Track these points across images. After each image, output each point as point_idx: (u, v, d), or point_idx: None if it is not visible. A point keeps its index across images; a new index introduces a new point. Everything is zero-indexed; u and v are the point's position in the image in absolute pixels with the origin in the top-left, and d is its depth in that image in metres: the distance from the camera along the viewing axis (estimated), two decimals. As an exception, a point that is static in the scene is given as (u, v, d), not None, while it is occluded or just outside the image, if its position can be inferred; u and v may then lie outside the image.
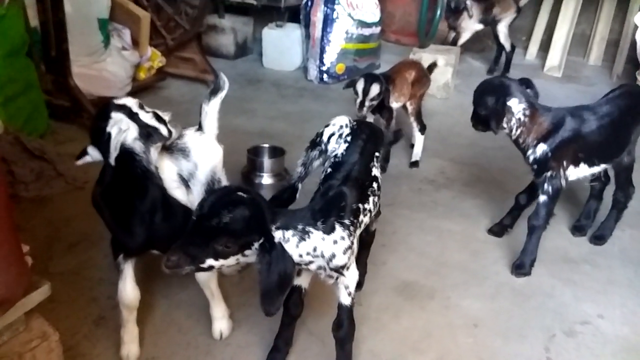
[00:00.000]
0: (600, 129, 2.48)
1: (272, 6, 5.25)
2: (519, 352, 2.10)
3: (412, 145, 3.72)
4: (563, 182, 2.51)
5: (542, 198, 2.51)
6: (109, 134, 1.69)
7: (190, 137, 2.01)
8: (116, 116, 1.71)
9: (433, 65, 3.62)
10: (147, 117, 1.75)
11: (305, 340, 2.07)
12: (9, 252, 1.39)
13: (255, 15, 5.72)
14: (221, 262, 1.49)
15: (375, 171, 1.99)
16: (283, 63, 5.35)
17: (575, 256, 2.72)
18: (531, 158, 2.50)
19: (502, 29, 5.44)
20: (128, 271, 1.86)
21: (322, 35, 4.96)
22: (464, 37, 5.48)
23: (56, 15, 3.39)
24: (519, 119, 2.43)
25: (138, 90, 4.26)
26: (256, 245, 1.48)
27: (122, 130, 1.69)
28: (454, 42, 5.48)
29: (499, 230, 2.87)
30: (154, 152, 1.77)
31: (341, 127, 2.02)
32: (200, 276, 1.94)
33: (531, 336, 2.18)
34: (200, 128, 2.06)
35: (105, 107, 1.76)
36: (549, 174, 2.48)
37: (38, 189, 2.88)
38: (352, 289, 1.77)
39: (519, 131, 2.46)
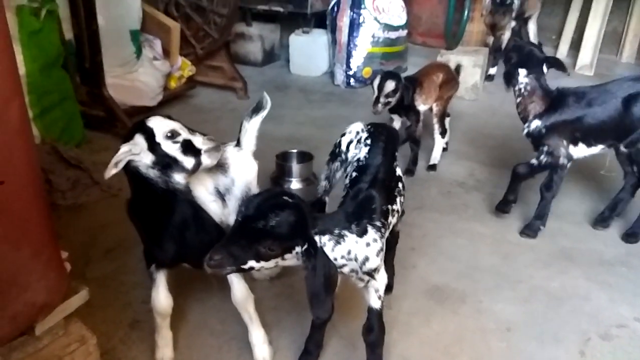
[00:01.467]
0: (601, 111, 2.60)
1: (298, 13, 5.30)
2: (554, 356, 2.06)
3: (444, 149, 3.70)
4: (564, 160, 2.68)
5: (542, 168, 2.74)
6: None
7: (230, 153, 2.04)
8: (137, 140, 1.66)
9: (459, 67, 3.59)
10: (171, 148, 1.67)
11: (336, 344, 2.08)
12: (49, 259, 1.45)
13: (282, 22, 5.77)
14: (262, 264, 1.50)
15: (399, 171, 2.00)
16: (310, 69, 5.39)
17: (610, 258, 2.66)
18: (525, 131, 2.74)
19: (532, 26, 5.35)
20: (161, 280, 1.89)
21: (349, 40, 4.98)
22: (507, 36, 5.23)
23: (90, 28, 3.49)
24: (519, 89, 2.68)
25: (169, 99, 4.35)
26: (297, 249, 1.49)
27: (132, 154, 1.65)
28: (497, 48, 5.17)
29: (504, 207, 2.96)
30: (180, 176, 1.72)
31: (357, 132, 2.05)
32: (238, 298, 1.93)
33: (566, 340, 2.14)
34: (238, 144, 2.10)
35: (136, 125, 1.72)
36: (544, 148, 2.68)
37: (74, 197, 2.96)
38: (381, 292, 1.78)
39: (517, 100, 2.72)
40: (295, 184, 3.03)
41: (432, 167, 3.51)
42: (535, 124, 2.68)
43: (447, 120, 3.55)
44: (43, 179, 2.76)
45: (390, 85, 3.10)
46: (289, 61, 5.46)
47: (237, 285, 1.92)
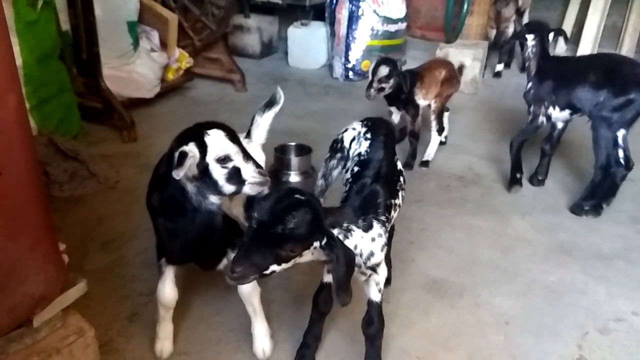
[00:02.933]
0: (576, 78, 2.87)
1: (297, 5, 5.27)
2: (552, 350, 2.07)
3: (441, 142, 3.69)
4: (542, 120, 3.04)
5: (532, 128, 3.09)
6: (172, 157, 1.58)
7: None
8: (191, 148, 1.56)
9: (462, 67, 3.57)
10: (217, 172, 1.60)
11: (334, 337, 2.08)
12: (47, 251, 1.44)
13: (280, 14, 5.75)
14: (282, 266, 1.47)
15: (399, 165, 2.01)
16: (308, 61, 5.37)
17: (608, 252, 2.66)
18: (525, 91, 3.08)
19: (526, 19, 5.34)
20: (169, 274, 1.89)
21: (348, 32, 4.95)
22: (511, 30, 5.22)
23: (87, 19, 3.46)
24: (527, 53, 3.04)
25: (166, 91, 4.33)
26: (316, 244, 1.46)
27: (175, 160, 1.55)
28: (501, 43, 5.14)
29: (535, 182, 3.26)
30: (215, 197, 1.66)
31: (357, 129, 2.04)
32: (244, 291, 1.93)
33: (564, 334, 2.14)
34: (248, 136, 2.09)
35: (195, 131, 1.61)
36: (531, 109, 3.04)
37: (72, 189, 2.95)
38: (382, 285, 1.78)
39: (526, 64, 3.08)
40: (293, 177, 3.02)
41: (425, 164, 3.47)
42: (529, 84, 3.05)
43: (446, 115, 3.53)
44: (41, 171, 2.75)
45: (384, 70, 3.07)
46: (287, 54, 5.44)
47: None
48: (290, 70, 5.34)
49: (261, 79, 4.96)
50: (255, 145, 2.09)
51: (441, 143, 3.69)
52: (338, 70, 5.10)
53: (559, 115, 3.02)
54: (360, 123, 2.07)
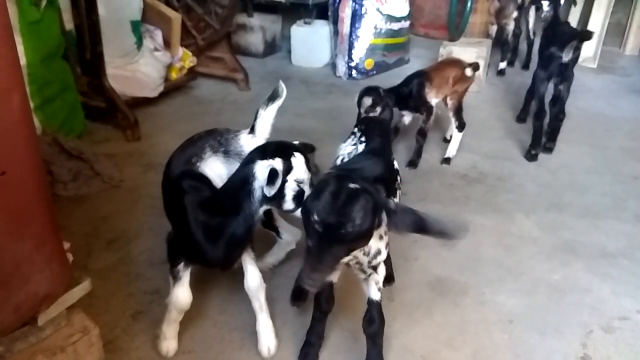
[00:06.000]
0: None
1: (300, 3, 5.26)
2: (556, 348, 2.06)
3: (445, 139, 3.69)
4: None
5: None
6: (251, 163, 1.68)
7: (244, 140, 2.05)
8: (277, 163, 1.64)
9: (476, 66, 3.54)
10: (290, 190, 1.69)
11: (337, 336, 2.08)
12: (52, 250, 1.44)
13: (283, 13, 5.74)
14: (351, 255, 1.48)
15: (396, 164, 2.03)
16: (311, 60, 5.36)
17: (612, 251, 2.66)
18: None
19: (533, 14, 5.28)
20: (186, 277, 1.89)
21: (351, 31, 4.94)
22: (511, 27, 5.21)
23: (90, 18, 3.46)
24: (543, 17, 3.76)
25: (170, 90, 4.34)
26: (381, 222, 1.43)
27: (254, 172, 1.66)
28: (504, 41, 5.17)
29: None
30: (266, 207, 1.73)
31: (355, 137, 2.07)
32: (251, 285, 1.94)
33: (568, 332, 2.14)
34: (252, 131, 2.09)
35: (282, 147, 1.71)
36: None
37: (76, 188, 2.96)
38: (381, 284, 1.79)
39: (543, 26, 3.76)
40: (297, 176, 3.03)
41: (447, 161, 3.48)
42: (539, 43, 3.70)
43: (451, 113, 3.51)
44: (45, 170, 2.76)
45: (367, 101, 3.02)
46: (291, 52, 5.44)
47: (252, 272, 1.94)
48: (293, 68, 5.33)
49: (264, 78, 4.96)
50: (260, 140, 2.08)
51: (445, 140, 3.68)
52: (341, 68, 5.09)
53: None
54: (357, 127, 2.11)
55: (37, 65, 3.03)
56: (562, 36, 3.44)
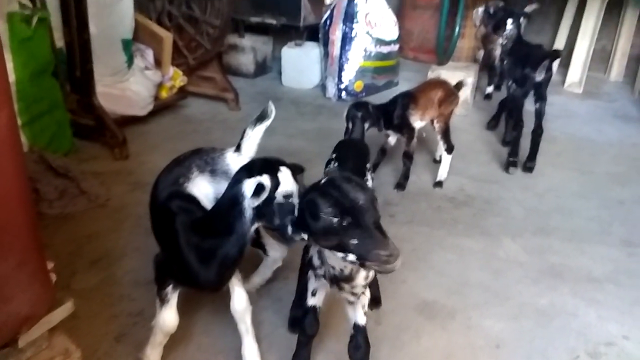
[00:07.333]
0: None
1: (291, 25, 5.32)
2: (543, 373, 2.06)
3: (435, 160, 3.71)
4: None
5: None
6: (239, 182, 1.66)
7: (230, 159, 2.04)
8: (265, 180, 1.62)
9: (460, 84, 3.60)
10: (279, 205, 1.66)
11: (323, 359, 2.05)
12: (35, 270, 1.42)
13: (274, 34, 5.79)
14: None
15: (370, 183, 2.08)
16: (302, 81, 5.40)
17: (599, 275, 2.67)
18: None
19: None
20: (174, 300, 1.87)
21: (341, 53, 5.00)
22: (498, 53, 5.30)
23: (81, 36, 3.47)
24: (505, 35, 3.90)
25: (160, 109, 4.33)
26: None
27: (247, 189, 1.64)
28: (490, 65, 5.18)
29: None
30: (257, 225, 1.71)
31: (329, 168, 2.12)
32: (238, 307, 1.92)
33: (555, 357, 2.13)
34: (238, 149, 2.09)
35: (267, 164, 1.68)
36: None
37: (61, 207, 2.93)
38: (366, 307, 1.78)
39: (504, 42, 3.94)
40: (285, 197, 3.02)
41: (439, 184, 3.49)
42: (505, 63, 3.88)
43: (439, 136, 3.54)
44: (31, 188, 2.73)
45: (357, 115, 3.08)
46: (281, 73, 5.47)
47: (238, 294, 1.92)
48: (283, 89, 5.37)
49: (254, 98, 4.98)
50: (245, 159, 2.08)
51: (435, 161, 3.71)
52: (331, 90, 5.13)
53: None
54: (333, 153, 2.17)
55: (26, 82, 3.03)
56: (534, 57, 3.61)
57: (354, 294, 1.70)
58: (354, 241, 1.37)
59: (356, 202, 1.38)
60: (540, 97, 3.64)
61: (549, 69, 3.59)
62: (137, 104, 4.06)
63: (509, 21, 3.83)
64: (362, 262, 1.39)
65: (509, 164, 3.71)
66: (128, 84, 4.02)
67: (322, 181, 1.49)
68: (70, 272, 2.46)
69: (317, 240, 1.50)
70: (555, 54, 3.72)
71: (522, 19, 3.89)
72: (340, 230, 1.39)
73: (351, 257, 1.40)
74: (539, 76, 3.55)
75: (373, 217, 1.39)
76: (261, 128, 2.10)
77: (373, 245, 1.35)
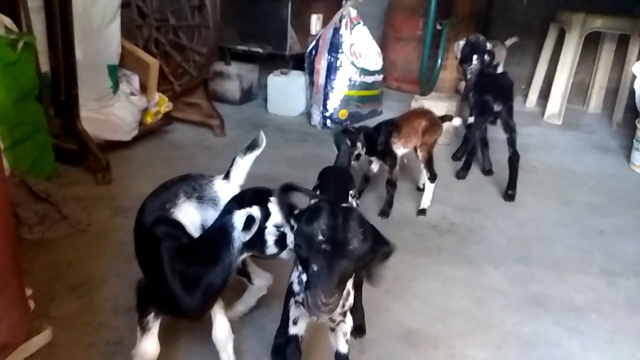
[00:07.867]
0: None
1: (277, 54, 5.38)
2: (526, 403, 2.05)
3: (418, 188, 3.74)
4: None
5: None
6: (229, 213, 1.67)
7: (218, 186, 2.03)
8: (254, 211, 1.63)
9: (446, 118, 3.66)
10: (271, 236, 1.67)
11: (307, 389, 2.03)
12: (13, 297, 1.40)
13: (260, 62, 5.85)
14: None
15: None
16: (287, 109, 5.44)
17: (580, 304, 2.69)
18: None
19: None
20: (155, 328, 1.84)
21: (326, 82, 5.06)
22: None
23: (67, 61, 3.47)
24: (471, 69, 3.98)
25: (144, 134, 4.32)
26: None
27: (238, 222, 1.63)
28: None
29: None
30: (247, 254, 1.71)
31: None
32: (220, 336, 1.90)
33: (538, 387, 2.13)
34: (226, 177, 2.09)
35: (258, 194, 1.70)
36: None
37: (42, 232, 2.88)
38: (349, 335, 1.76)
39: (469, 76, 4.03)
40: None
41: (422, 212, 3.50)
42: (471, 95, 4.00)
43: (422, 165, 3.56)
44: (11, 213, 2.69)
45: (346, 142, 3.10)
46: (267, 100, 5.52)
47: (220, 322, 1.90)
48: (269, 116, 5.40)
49: (240, 125, 5.00)
50: (233, 187, 2.08)
51: (418, 189, 3.74)
52: (316, 118, 5.18)
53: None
54: (317, 180, 2.19)
55: (9, 106, 3.00)
56: (494, 87, 3.87)
57: (332, 320, 1.69)
58: (310, 270, 1.38)
59: (324, 240, 1.35)
60: (508, 126, 3.76)
61: (508, 99, 3.76)
62: (122, 129, 4.05)
63: (474, 57, 3.93)
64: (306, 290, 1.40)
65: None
66: (113, 109, 4.01)
67: (318, 205, 1.46)
68: (49, 298, 2.41)
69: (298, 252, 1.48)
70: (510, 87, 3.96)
71: (486, 56, 3.98)
72: (303, 253, 1.41)
73: (304, 277, 1.43)
74: (497, 107, 3.73)
75: (329, 260, 1.34)
76: (251, 157, 2.10)
77: (314, 291, 1.34)
